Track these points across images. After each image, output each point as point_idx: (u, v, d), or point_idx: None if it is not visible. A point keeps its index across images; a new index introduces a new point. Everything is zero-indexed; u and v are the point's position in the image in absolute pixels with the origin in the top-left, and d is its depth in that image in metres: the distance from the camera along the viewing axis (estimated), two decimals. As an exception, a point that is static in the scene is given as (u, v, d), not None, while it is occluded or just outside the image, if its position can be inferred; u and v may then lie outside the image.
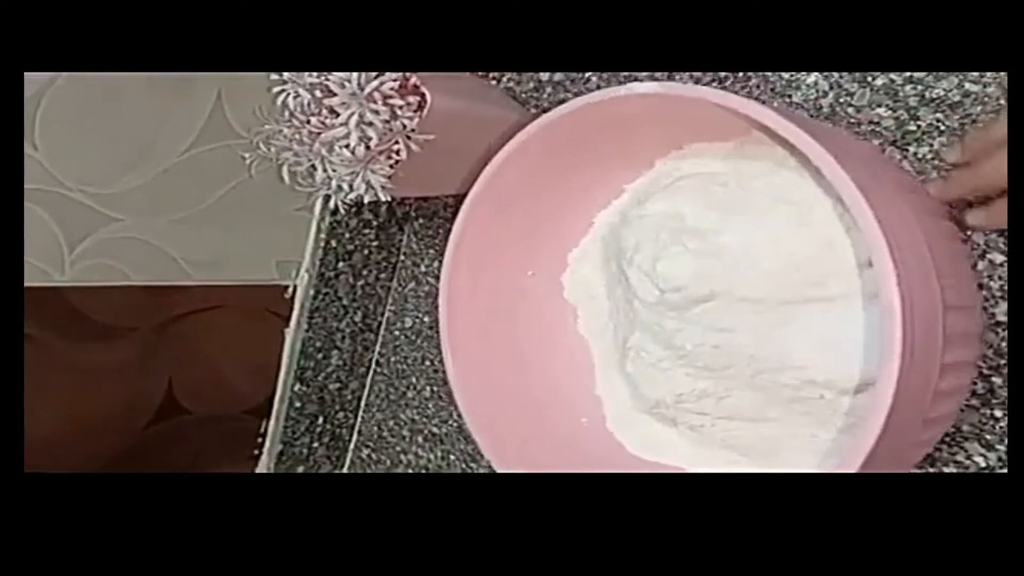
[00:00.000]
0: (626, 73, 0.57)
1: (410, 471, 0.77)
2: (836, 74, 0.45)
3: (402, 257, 0.79)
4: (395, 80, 0.51)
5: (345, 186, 0.54)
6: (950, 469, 0.41)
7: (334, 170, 0.54)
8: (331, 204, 0.58)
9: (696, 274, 0.42)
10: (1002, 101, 0.38)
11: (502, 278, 0.53)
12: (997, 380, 0.39)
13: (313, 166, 0.54)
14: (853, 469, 0.32)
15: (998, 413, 0.39)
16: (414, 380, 0.77)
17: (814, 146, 0.33)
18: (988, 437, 0.39)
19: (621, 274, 0.48)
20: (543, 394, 0.53)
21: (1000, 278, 0.39)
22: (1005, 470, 0.39)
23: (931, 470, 0.41)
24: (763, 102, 0.49)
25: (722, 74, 0.51)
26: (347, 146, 0.52)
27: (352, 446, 0.85)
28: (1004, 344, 0.38)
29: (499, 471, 0.46)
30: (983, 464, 0.40)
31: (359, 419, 0.84)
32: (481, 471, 0.69)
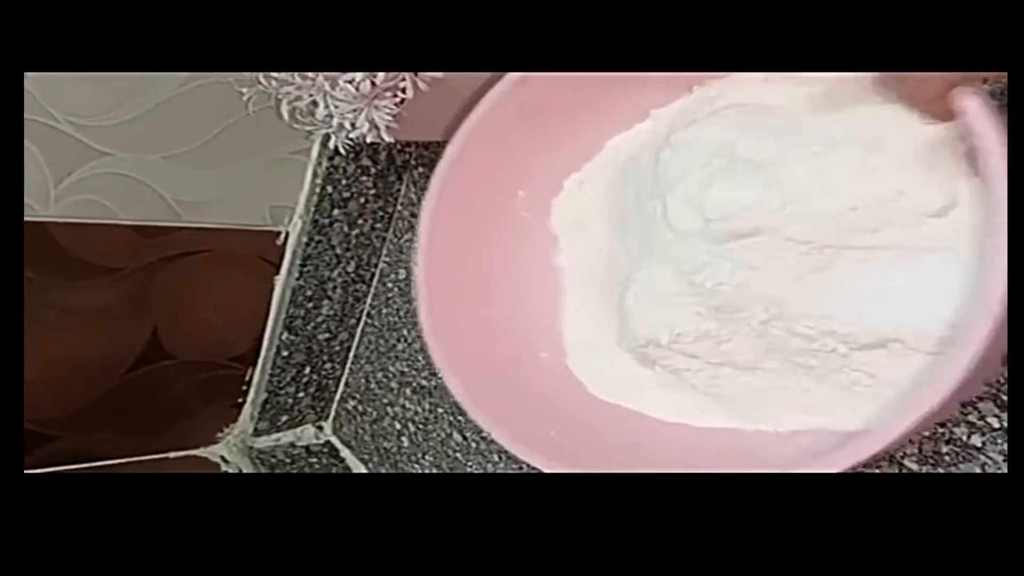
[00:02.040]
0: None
1: (396, 424, 0.76)
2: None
3: (399, 207, 0.77)
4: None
5: (347, 124, 0.53)
6: (961, 429, 0.40)
7: (336, 107, 0.52)
8: (331, 145, 0.56)
9: (748, 206, 0.40)
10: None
11: (491, 198, 0.52)
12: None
13: (315, 102, 0.52)
14: (898, 431, 0.31)
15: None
16: (405, 332, 0.76)
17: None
18: (1004, 397, 0.39)
19: (647, 200, 0.46)
20: (508, 324, 0.52)
21: None
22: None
23: (940, 430, 0.41)
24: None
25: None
26: (351, 81, 0.50)
27: (338, 397, 0.84)
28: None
29: (459, 399, 0.46)
30: (996, 425, 0.39)
31: (347, 370, 0.83)
32: (469, 424, 0.68)
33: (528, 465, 0.63)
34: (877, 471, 0.43)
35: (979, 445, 0.40)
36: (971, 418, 0.40)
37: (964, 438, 0.40)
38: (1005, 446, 0.39)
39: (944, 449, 0.41)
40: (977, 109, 0.33)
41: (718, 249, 0.42)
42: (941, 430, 0.41)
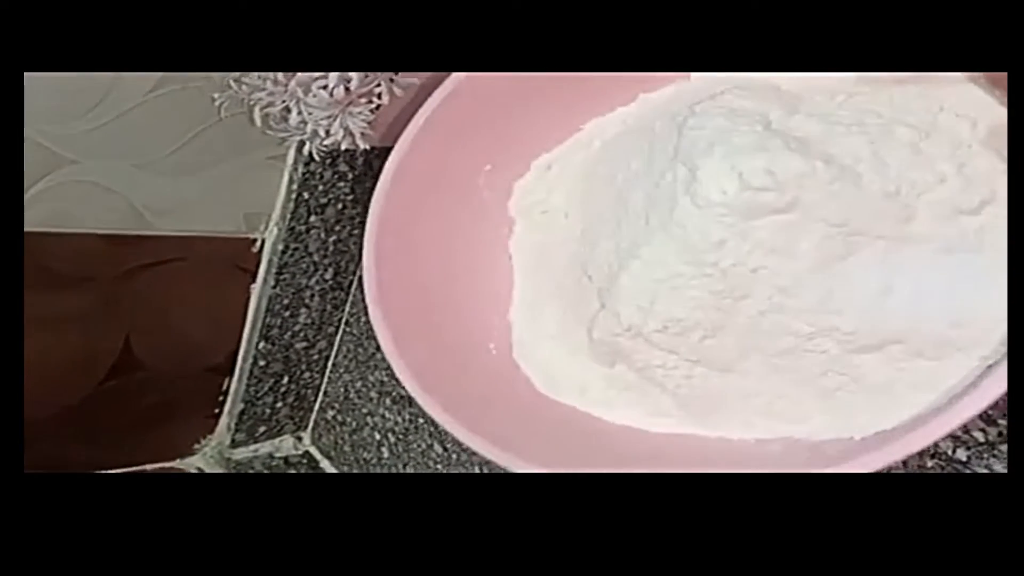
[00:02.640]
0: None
1: (376, 434, 0.75)
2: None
3: (376, 213, 0.76)
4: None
5: (321, 131, 0.52)
6: (946, 443, 0.40)
7: (310, 113, 0.51)
8: (305, 151, 0.55)
9: (797, 176, 0.39)
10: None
11: (454, 174, 0.51)
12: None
13: (287, 108, 0.51)
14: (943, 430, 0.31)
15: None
16: (384, 341, 0.75)
17: None
18: (989, 412, 0.38)
19: (662, 171, 0.44)
20: (461, 312, 0.51)
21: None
22: (1004, 446, 0.38)
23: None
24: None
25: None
26: (325, 87, 0.49)
27: (317, 407, 0.83)
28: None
29: (408, 387, 0.45)
30: (982, 440, 0.38)
31: (326, 379, 0.82)
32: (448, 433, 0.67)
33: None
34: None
35: (964, 459, 0.39)
36: (956, 432, 0.39)
37: (949, 452, 0.40)
38: (991, 460, 0.38)
39: (929, 463, 0.40)
40: None
41: (743, 225, 0.40)
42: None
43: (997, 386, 0.30)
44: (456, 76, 0.48)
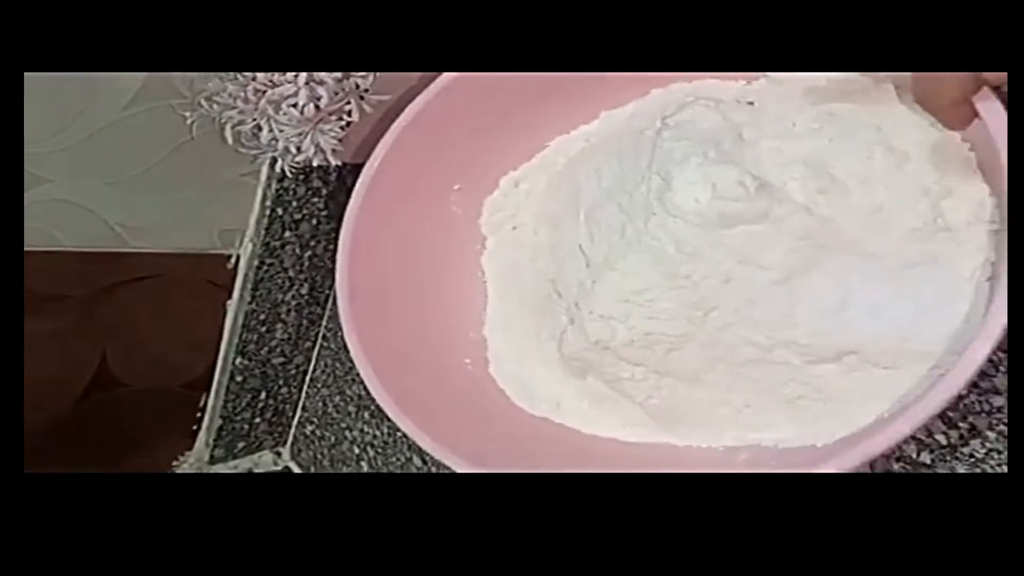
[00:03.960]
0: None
1: (355, 448, 0.75)
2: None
3: (351, 228, 0.76)
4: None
5: (292, 148, 0.52)
6: (910, 447, 0.40)
7: (280, 130, 0.51)
8: (277, 168, 0.55)
9: (761, 189, 0.39)
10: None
11: (424, 192, 0.52)
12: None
13: (258, 126, 0.52)
14: (876, 449, 0.31)
15: (963, 391, 0.38)
16: (362, 355, 0.75)
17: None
18: (951, 414, 0.39)
19: (635, 183, 0.44)
20: (433, 327, 0.52)
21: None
22: (966, 448, 0.39)
23: (890, 448, 0.41)
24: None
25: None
26: (295, 105, 0.50)
27: (296, 422, 0.83)
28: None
29: (383, 405, 0.45)
30: (944, 442, 0.39)
31: (303, 394, 0.82)
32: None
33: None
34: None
35: (928, 462, 0.40)
36: (919, 435, 0.40)
37: (914, 455, 0.40)
38: (953, 463, 0.39)
39: (895, 467, 0.41)
40: (997, 119, 0.32)
41: (715, 234, 0.40)
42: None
43: (948, 392, 0.31)
44: (422, 97, 0.48)
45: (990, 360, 0.37)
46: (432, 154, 0.51)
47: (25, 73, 0.52)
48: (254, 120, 0.51)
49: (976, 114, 0.32)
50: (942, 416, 0.39)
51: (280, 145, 0.52)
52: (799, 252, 0.39)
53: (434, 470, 0.67)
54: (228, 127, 0.53)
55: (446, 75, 0.48)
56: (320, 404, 0.80)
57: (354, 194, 0.50)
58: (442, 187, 0.53)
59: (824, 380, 0.39)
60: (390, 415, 0.45)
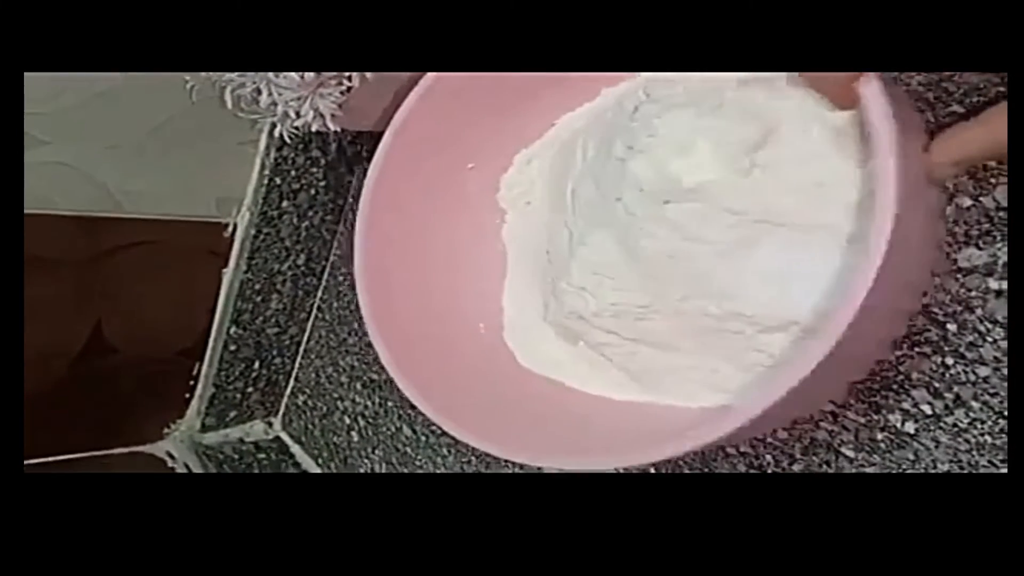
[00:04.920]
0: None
1: (346, 418, 0.75)
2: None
3: (350, 199, 0.76)
4: None
5: (291, 113, 0.52)
6: (895, 416, 0.41)
7: (280, 94, 0.51)
8: (277, 133, 0.56)
9: (698, 167, 0.40)
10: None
11: (439, 168, 0.53)
12: (952, 327, 0.39)
13: (258, 90, 0.52)
14: (760, 408, 0.32)
15: (949, 361, 0.39)
16: (356, 326, 0.75)
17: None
18: (937, 385, 0.39)
19: (610, 158, 0.45)
20: (447, 296, 0.53)
21: (965, 223, 0.39)
22: (950, 418, 0.39)
23: (875, 417, 0.42)
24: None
25: None
26: (296, 69, 0.50)
27: (288, 392, 0.83)
28: (963, 291, 0.39)
29: (390, 371, 0.46)
30: (929, 412, 0.40)
31: (297, 365, 0.82)
32: (419, 417, 0.68)
33: (476, 456, 0.64)
34: (822, 463, 0.44)
35: (912, 432, 0.40)
36: (905, 405, 0.41)
37: (898, 425, 0.41)
38: (938, 432, 0.40)
39: (879, 436, 0.42)
40: (874, 95, 0.32)
41: (658, 212, 0.42)
42: (876, 417, 0.42)
43: (814, 357, 0.31)
44: (430, 75, 0.49)
45: (976, 330, 0.38)
46: (444, 134, 0.52)
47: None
48: (254, 84, 0.52)
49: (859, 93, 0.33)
50: (928, 387, 0.40)
51: (279, 109, 0.52)
52: (736, 228, 0.40)
53: (424, 439, 0.67)
54: (228, 91, 0.53)
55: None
56: (313, 375, 0.80)
57: (368, 177, 0.50)
58: (456, 166, 0.54)
59: (776, 347, 0.40)
60: (396, 380, 0.46)
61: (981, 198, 0.38)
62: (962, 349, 0.39)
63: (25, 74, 0.57)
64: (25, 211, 0.61)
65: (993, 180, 0.38)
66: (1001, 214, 0.37)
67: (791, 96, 0.39)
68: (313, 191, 0.73)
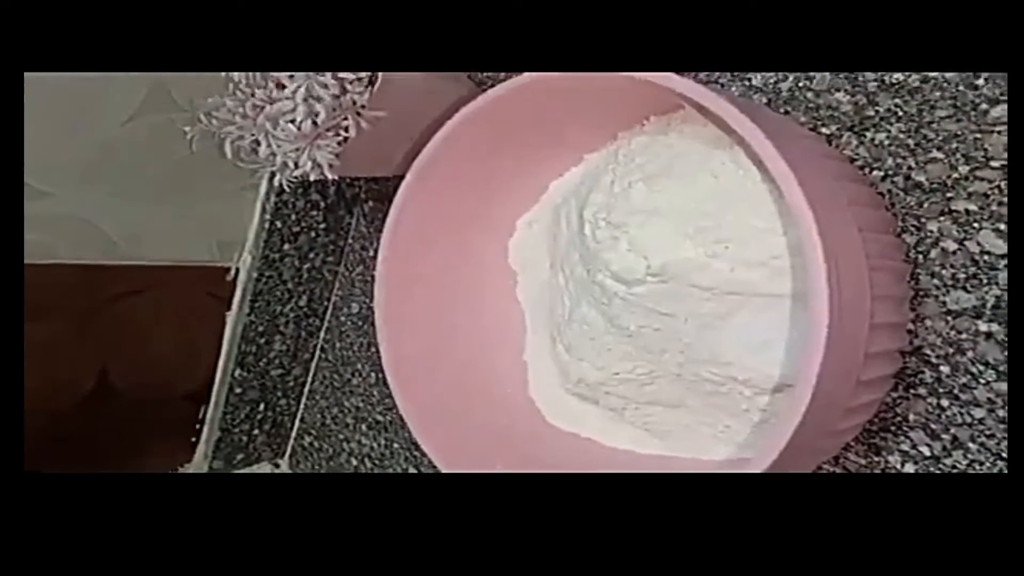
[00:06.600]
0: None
1: (353, 460, 0.75)
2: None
3: (350, 240, 0.77)
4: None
5: (290, 163, 0.53)
6: (895, 458, 0.41)
7: (278, 146, 0.52)
8: (276, 182, 0.56)
9: (657, 249, 0.41)
10: (961, 87, 0.38)
11: (449, 237, 0.53)
12: (944, 369, 0.39)
13: (257, 141, 0.52)
14: (769, 461, 0.32)
15: (944, 403, 0.39)
16: (359, 367, 0.76)
17: (745, 122, 0.33)
18: (933, 426, 0.39)
19: (585, 241, 0.46)
20: (470, 355, 0.53)
21: (952, 266, 0.39)
22: (949, 460, 0.39)
23: (875, 459, 0.42)
24: (722, 85, 0.49)
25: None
26: (293, 121, 0.50)
27: (294, 433, 0.83)
28: (953, 333, 0.39)
29: (413, 431, 0.47)
30: (928, 453, 0.40)
31: (302, 406, 0.82)
32: (425, 458, 0.67)
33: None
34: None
35: (912, 473, 0.40)
36: (904, 447, 0.41)
37: (898, 466, 0.41)
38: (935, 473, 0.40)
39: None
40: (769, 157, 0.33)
41: (628, 291, 0.42)
42: (876, 459, 0.42)
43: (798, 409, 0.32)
44: (434, 142, 0.49)
45: (969, 372, 0.38)
46: (446, 209, 0.52)
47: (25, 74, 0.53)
48: (252, 136, 0.52)
49: None
50: (924, 428, 0.40)
51: (278, 160, 0.53)
52: (710, 302, 0.40)
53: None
54: (227, 142, 0.54)
55: (450, 123, 0.48)
56: (318, 416, 0.80)
57: (382, 242, 0.51)
58: (466, 236, 0.54)
59: (777, 406, 0.40)
60: (420, 442, 0.46)
61: (965, 242, 0.38)
62: (956, 391, 0.39)
63: (26, 126, 0.58)
64: (29, 261, 0.62)
65: (976, 224, 0.38)
66: (986, 257, 0.38)
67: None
68: (313, 233, 0.74)
